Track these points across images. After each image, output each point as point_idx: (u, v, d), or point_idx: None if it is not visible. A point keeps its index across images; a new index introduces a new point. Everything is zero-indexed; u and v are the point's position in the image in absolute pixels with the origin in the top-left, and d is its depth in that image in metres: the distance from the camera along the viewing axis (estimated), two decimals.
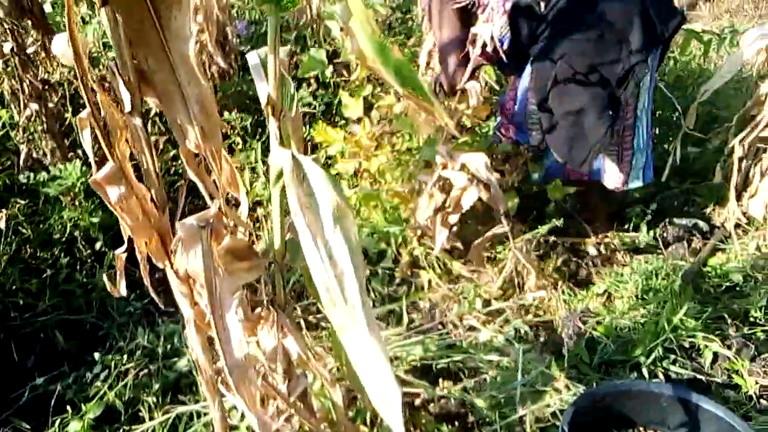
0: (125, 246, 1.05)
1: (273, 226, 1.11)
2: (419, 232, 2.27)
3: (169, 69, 0.87)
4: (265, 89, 0.92)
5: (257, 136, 2.88)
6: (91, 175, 0.96)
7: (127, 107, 0.89)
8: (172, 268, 1.07)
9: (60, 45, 0.87)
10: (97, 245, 2.33)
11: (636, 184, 2.22)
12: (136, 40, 0.84)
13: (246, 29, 3.38)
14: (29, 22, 2.49)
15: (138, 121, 0.92)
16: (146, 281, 1.07)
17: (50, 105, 2.59)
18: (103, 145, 0.93)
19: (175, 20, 0.83)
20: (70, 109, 2.69)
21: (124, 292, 1.08)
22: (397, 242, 2.29)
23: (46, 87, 2.59)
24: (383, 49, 0.85)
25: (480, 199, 2.00)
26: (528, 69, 2.07)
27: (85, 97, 0.88)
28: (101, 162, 0.98)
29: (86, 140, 0.94)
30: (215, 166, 0.99)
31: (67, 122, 2.71)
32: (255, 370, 1.22)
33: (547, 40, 1.91)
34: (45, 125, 2.57)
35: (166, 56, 0.86)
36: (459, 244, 2.27)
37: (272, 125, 0.94)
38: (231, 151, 2.85)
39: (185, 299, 1.10)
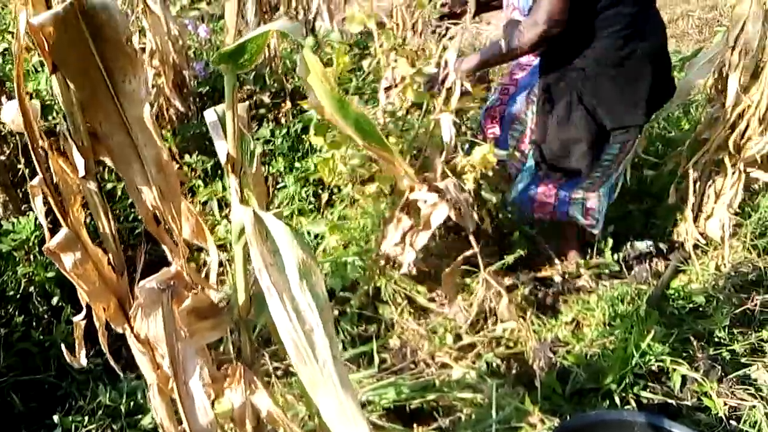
0: (84, 313, 1.01)
1: (237, 281, 1.08)
2: (383, 263, 2.25)
3: (124, 132, 0.85)
4: (224, 147, 0.91)
5: (218, 179, 2.84)
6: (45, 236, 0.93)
7: (81, 172, 0.87)
8: (132, 332, 1.04)
9: (10, 113, 0.85)
10: (54, 300, 2.24)
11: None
12: (89, 104, 0.82)
13: (204, 70, 3.36)
14: None
15: (93, 186, 0.89)
16: (105, 349, 1.04)
17: (2, 157, 2.51)
18: (56, 211, 0.91)
19: (129, 84, 0.81)
20: (22, 160, 2.62)
21: (84, 362, 1.04)
22: (365, 278, 2.28)
23: None
24: (342, 104, 0.84)
25: (449, 228, 1.99)
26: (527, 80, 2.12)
27: (36, 165, 0.86)
28: (55, 225, 0.95)
29: (38, 207, 0.91)
30: (175, 226, 0.97)
31: (19, 174, 2.63)
32: None
33: (569, 62, 1.94)
34: None
35: (121, 119, 0.84)
36: (426, 270, 2.26)
37: (233, 182, 0.93)
38: (193, 193, 2.81)
39: (147, 363, 1.07)
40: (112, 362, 1.07)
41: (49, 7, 0.76)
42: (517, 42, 1.89)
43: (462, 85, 1.89)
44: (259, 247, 0.87)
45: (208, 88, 3.44)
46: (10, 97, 2.69)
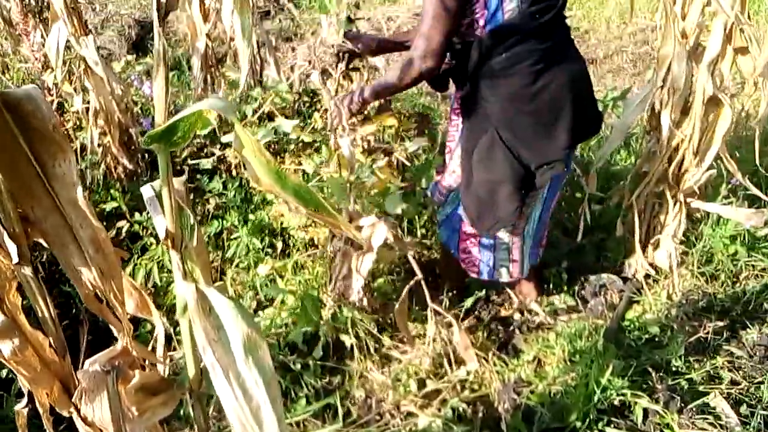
0: (26, 400, 0.97)
1: (186, 355, 1.06)
2: (336, 297, 2.24)
3: (58, 214, 0.84)
4: (162, 223, 0.90)
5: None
6: None
7: (15, 259, 0.85)
8: (79, 415, 1.00)
9: None
10: (3, 372, 2.16)
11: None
12: (19, 191, 0.80)
13: (152, 126, 3.34)
14: None
15: (28, 271, 0.87)
16: None
17: None
18: None
19: (59, 167, 0.80)
20: None
21: None
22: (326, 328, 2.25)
23: None
24: (280, 176, 0.85)
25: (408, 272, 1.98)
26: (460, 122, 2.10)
27: None
28: None
29: None
30: (117, 303, 0.94)
31: None
32: None
33: (485, 100, 1.93)
34: None
35: (53, 203, 0.83)
36: (388, 318, 2.26)
37: (174, 258, 0.91)
38: (144, 251, 2.75)
39: None
40: None
41: None
42: (393, 78, 1.89)
43: (347, 117, 1.98)
44: (203, 323, 0.86)
45: None
46: None
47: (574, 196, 2.84)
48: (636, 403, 1.88)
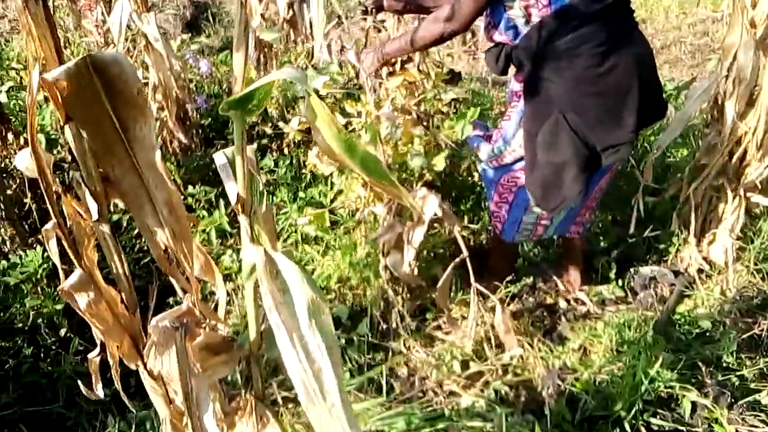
0: (98, 350, 1.03)
1: (248, 317, 1.10)
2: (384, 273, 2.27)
3: (136, 176, 0.88)
4: (234, 189, 0.93)
5: (223, 209, 2.87)
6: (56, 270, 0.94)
7: (95, 216, 0.89)
8: (145, 368, 1.05)
9: (24, 160, 0.87)
10: (62, 332, 2.26)
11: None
12: (101, 151, 0.84)
13: (206, 103, 3.41)
14: None
15: (106, 228, 0.91)
16: (118, 385, 1.05)
17: (9, 192, 2.54)
18: (70, 253, 0.92)
19: (140, 131, 0.84)
20: (29, 194, 2.65)
21: (101, 394, 1.05)
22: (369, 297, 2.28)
23: (4, 174, 2.55)
24: (350, 145, 0.87)
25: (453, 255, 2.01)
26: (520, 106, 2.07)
27: (50, 209, 0.88)
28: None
29: (53, 250, 0.92)
30: (187, 264, 0.98)
31: (26, 208, 2.66)
32: None
33: (550, 81, 1.91)
34: (3, 212, 2.52)
35: (132, 165, 0.86)
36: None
37: (243, 222, 0.95)
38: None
39: (160, 398, 1.08)
40: (124, 398, 1.08)
41: (61, 62, 0.79)
42: (417, 34, 1.95)
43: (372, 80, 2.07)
44: (270, 286, 0.88)
45: (210, 120, 3.48)
46: (15, 134, 2.73)
47: (628, 186, 2.78)
48: (684, 396, 1.86)
